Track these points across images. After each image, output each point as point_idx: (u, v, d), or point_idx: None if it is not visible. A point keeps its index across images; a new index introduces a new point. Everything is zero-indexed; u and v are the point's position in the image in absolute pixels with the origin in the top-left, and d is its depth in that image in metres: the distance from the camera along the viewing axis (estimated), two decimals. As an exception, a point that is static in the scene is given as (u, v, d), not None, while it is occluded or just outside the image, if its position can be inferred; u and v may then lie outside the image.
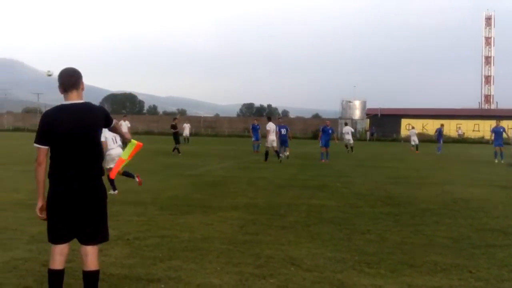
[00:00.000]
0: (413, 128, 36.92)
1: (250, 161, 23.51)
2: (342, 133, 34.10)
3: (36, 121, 55.97)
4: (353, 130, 34.74)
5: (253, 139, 32.39)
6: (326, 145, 25.15)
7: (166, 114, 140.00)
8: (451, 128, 68.02)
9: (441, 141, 35.54)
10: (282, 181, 15.63)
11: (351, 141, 33.97)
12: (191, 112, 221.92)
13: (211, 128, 78.50)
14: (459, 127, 72.30)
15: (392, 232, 8.33)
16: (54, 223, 4.45)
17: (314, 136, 67.00)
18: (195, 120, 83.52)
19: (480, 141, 59.47)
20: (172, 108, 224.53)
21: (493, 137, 26.65)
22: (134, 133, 39.92)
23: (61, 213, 4.41)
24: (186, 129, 44.53)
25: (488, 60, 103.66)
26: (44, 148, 4.39)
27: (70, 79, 4.49)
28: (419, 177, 17.63)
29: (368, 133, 70.82)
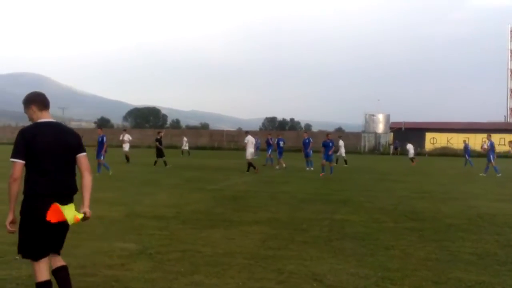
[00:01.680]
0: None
1: (272, 175, 23.44)
2: (339, 147, 34.60)
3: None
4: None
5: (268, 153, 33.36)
6: (328, 159, 25.25)
7: (189, 128, 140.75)
8: (476, 142, 67.06)
9: (468, 156, 35.36)
10: (304, 195, 15.55)
11: (343, 154, 35.38)
12: (213, 126, 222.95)
13: (234, 142, 78.60)
14: (484, 141, 71.27)
15: (416, 248, 8.21)
16: (35, 241, 4.58)
17: (337, 150, 66.98)
18: (217, 134, 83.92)
19: (506, 155, 58.52)
20: (195, 122, 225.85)
21: None
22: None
23: (37, 228, 4.54)
24: (185, 143, 46.26)
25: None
26: (21, 163, 4.50)
27: (45, 99, 4.83)
28: (443, 192, 17.38)
29: (391, 147, 70.24)
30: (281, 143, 29.66)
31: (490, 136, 29.38)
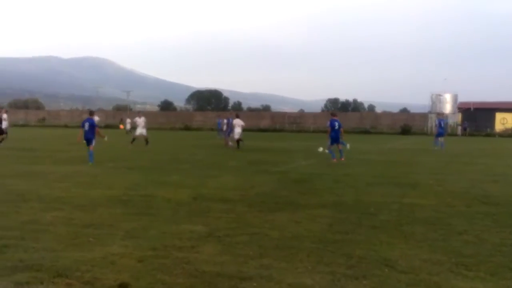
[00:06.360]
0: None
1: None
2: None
3: (126, 117, 57.93)
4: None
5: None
6: (335, 141, 21.57)
7: (250, 110, 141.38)
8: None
9: None
10: (370, 178, 15.28)
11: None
12: (275, 108, 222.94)
13: (296, 124, 78.43)
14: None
15: (490, 233, 7.92)
16: None
17: (403, 132, 65.59)
18: (279, 116, 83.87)
19: None
20: (257, 104, 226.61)
21: None
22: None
23: None
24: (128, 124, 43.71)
25: None
26: None
27: None
28: (517, 175, 16.68)
29: (460, 128, 68.15)
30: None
31: None
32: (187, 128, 76.41)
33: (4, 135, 29.59)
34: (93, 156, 18.55)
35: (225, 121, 35.68)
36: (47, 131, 59.80)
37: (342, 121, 24.36)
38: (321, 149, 24.21)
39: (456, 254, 6.63)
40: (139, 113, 35.54)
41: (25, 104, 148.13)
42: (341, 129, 21.69)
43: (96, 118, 24.44)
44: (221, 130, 39.29)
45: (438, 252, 6.73)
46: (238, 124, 29.46)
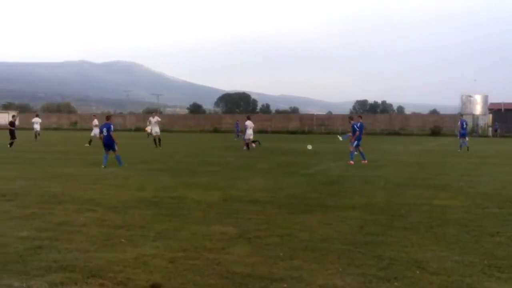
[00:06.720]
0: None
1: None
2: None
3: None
4: None
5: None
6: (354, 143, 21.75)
7: (278, 112, 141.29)
8: None
9: None
10: (400, 180, 15.17)
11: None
12: (303, 110, 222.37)
13: (324, 126, 78.09)
14: None
15: (524, 235, 7.79)
16: None
17: (432, 133, 64.81)
18: (307, 118, 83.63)
19: None
20: (285, 106, 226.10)
21: None
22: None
23: None
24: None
25: None
26: None
27: None
28: (551, 176, 16.34)
29: (490, 129, 66.96)
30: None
31: None
32: (216, 131, 76.68)
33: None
34: (120, 158, 18.66)
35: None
36: (79, 134, 60.71)
37: (371, 122, 24.27)
38: (310, 147, 24.33)
39: (488, 256, 6.56)
40: (153, 113, 36.01)
41: (57, 108, 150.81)
42: (357, 132, 21.65)
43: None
44: (240, 132, 40.39)
45: (470, 254, 6.67)
46: (250, 126, 30.28)
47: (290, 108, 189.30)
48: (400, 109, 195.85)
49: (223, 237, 7.56)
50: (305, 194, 12.04)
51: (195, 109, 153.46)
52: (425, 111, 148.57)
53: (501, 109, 73.17)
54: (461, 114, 42.90)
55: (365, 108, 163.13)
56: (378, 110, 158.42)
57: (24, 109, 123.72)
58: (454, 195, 11.96)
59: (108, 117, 19.85)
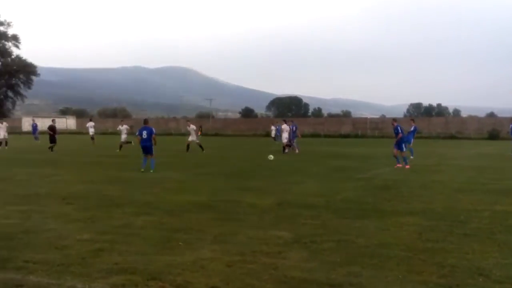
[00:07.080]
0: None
1: (421, 164, 22.44)
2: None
3: (209, 125, 58.75)
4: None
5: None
6: (398, 147, 21.00)
7: (331, 116, 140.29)
8: None
9: None
10: (459, 184, 14.76)
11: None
12: (355, 113, 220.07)
13: (378, 129, 76.91)
14: None
15: None
16: None
17: (490, 136, 62.84)
18: (360, 122, 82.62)
19: None
20: (337, 110, 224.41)
21: None
22: (303, 135, 40.35)
23: None
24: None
25: None
26: None
27: None
28: None
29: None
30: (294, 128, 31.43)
31: None
32: (268, 135, 76.74)
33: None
34: (154, 164, 18.82)
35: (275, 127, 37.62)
36: (135, 138, 61.93)
37: (426, 126, 23.64)
38: (271, 157, 23.89)
39: (556, 265, 6.30)
40: (188, 122, 35.62)
41: (113, 113, 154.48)
42: (399, 134, 20.95)
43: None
44: (279, 136, 39.98)
45: (536, 263, 6.42)
46: (285, 130, 30.78)
47: (342, 111, 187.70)
48: (456, 112, 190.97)
49: (279, 241, 7.55)
50: (361, 199, 11.88)
51: (247, 113, 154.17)
52: (482, 114, 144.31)
53: None
54: None
55: (419, 111, 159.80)
56: (433, 113, 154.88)
57: (81, 114, 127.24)
58: (517, 201, 11.53)
59: (145, 121, 20.28)
